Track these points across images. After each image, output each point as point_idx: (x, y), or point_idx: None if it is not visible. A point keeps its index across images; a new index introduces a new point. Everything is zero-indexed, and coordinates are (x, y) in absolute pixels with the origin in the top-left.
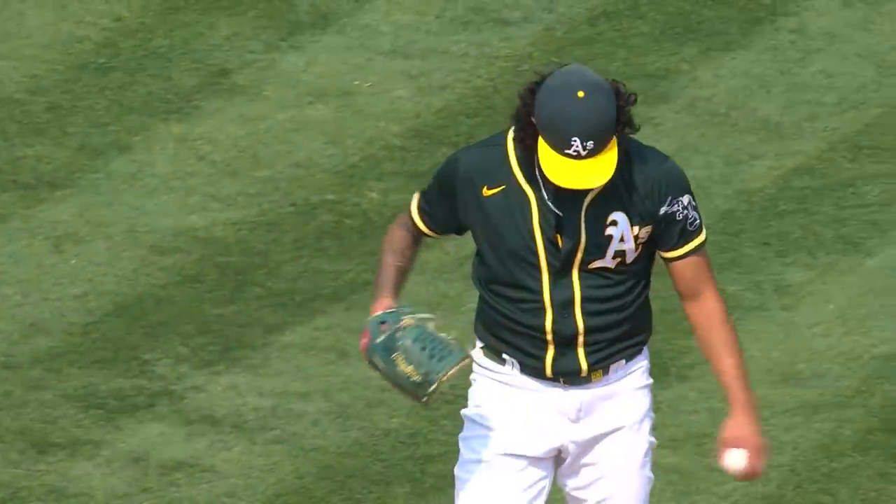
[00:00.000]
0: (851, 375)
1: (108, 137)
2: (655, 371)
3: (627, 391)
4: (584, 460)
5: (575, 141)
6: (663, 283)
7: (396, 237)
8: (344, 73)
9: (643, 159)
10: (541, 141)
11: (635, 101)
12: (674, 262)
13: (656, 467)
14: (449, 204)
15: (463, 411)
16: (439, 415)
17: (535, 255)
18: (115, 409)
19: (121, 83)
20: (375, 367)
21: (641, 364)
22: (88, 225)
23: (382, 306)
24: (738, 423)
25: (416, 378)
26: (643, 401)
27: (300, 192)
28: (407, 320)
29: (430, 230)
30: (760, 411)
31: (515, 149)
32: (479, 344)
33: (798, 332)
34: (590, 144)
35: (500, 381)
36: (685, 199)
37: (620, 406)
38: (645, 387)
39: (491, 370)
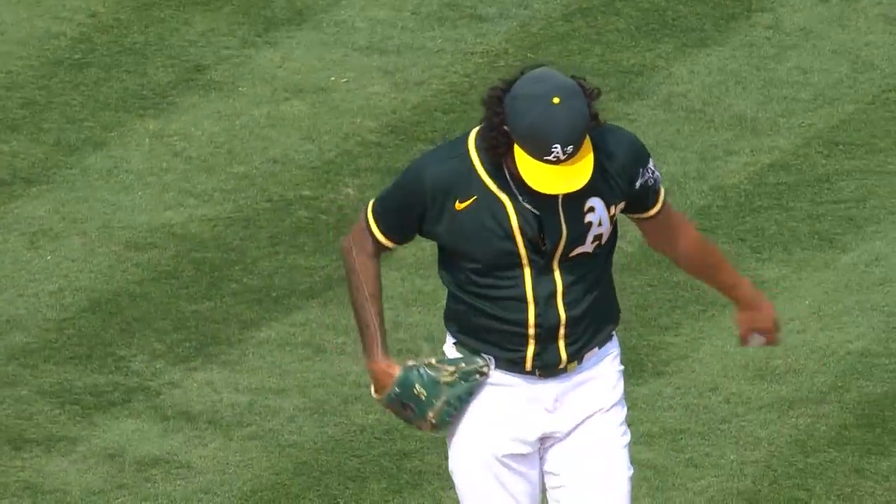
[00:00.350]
0: (827, 371)
1: (83, 133)
2: (631, 367)
3: (600, 377)
4: (564, 449)
5: (556, 148)
6: (637, 279)
7: (365, 271)
8: (320, 69)
9: (606, 141)
10: (517, 149)
11: (599, 94)
12: (650, 219)
13: (632, 463)
14: (413, 216)
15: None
16: None
17: (517, 256)
18: (91, 405)
19: (96, 79)
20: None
21: (613, 350)
22: (64, 221)
23: (384, 374)
24: (752, 313)
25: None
26: (617, 385)
27: (276, 187)
28: (419, 389)
29: (393, 242)
30: (736, 407)
31: (482, 157)
32: (450, 340)
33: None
34: (569, 149)
35: None
36: (650, 164)
37: (595, 391)
38: (618, 370)
39: None
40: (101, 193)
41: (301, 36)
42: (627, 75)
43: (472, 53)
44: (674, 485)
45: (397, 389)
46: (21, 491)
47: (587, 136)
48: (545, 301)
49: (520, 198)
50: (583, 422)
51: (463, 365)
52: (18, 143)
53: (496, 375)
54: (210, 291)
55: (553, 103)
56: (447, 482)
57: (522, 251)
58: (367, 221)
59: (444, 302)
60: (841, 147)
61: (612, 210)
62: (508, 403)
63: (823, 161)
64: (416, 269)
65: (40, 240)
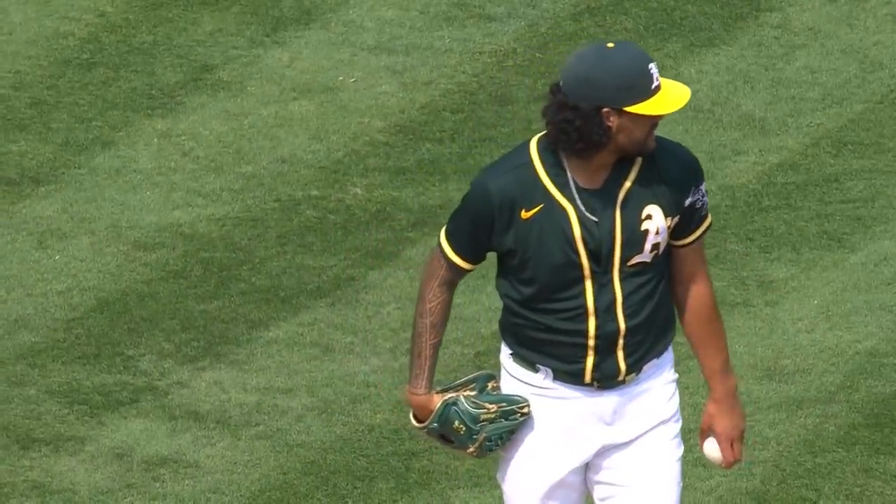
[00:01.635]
0: (835, 371)
1: (91, 133)
2: None
3: (657, 388)
4: (619, 461)
5: (652, 67)
6: None
7: (433, 299)
8: (328, 69)
9: (669, 151)
10: (634, 108)
11: None
12: (681, 248)
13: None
14: (484, 231)
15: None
16: None
17: (579, 265)
18: (99, 404)
19: (104, 79)
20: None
21: (669, 361)
22: (72, 221)
23: (423, 408)
24: (714, 414)
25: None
26: (673, 397)
27: (284, 187)
28: (458, 425)
29: (467, 262)
30: (745, 407)
31: (545, 166)
32: (506, 351)
33: (782, 327)
34: (655, 67)
35: (531, 387)
36: (703, 187)
37: (652, 403)
38: (673, 381)
39: (521, 378)
40: (109, 193)
41: (309, 36)
42: None
43: (480, 53)
44: (683, 484)
45: (436, 424)
46: (29, 490)
47: None
48: (605, 311)
49: (582, 206)
50: (640, 435)
51: (504, 404)
52: (27, 142)
53: (555, 386)
54: (218, 291)
55: (610, 47)
56: (455, 482)
57: (584, 261)
58: (441, 246)
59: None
60: (849, 147)
61: (669, 221)
62: (568, 419)
63: (832, 161)
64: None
65: (48, 239)
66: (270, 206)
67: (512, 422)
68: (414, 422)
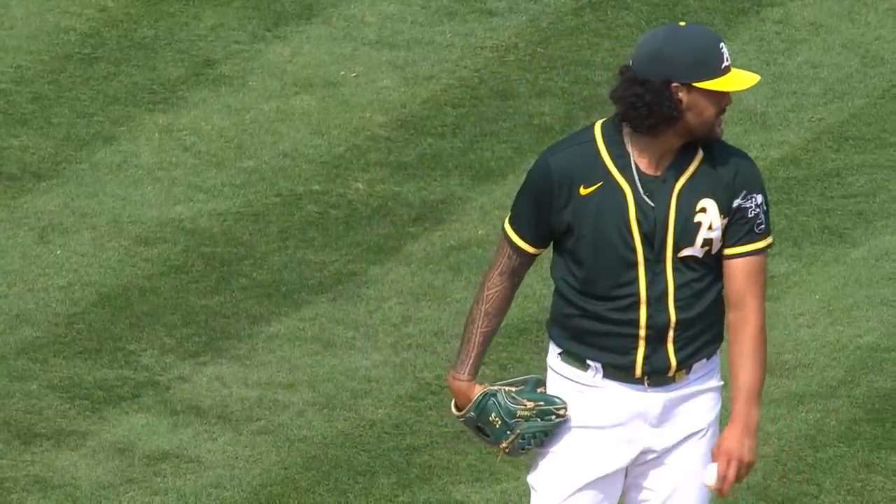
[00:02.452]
0: (836, 366)
1: (92, 128)
2: None
3: (704, 392)
4: (659, 466)
5: (722, 47)
6: None
7: (492, 287)
8: (329, 64)
9: (731, 151)
10: (705, 85)
11: None
12: (730, 259)
13: None
14: (546, 211)
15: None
16: (424, 405)
17: (633, 248)
18: (101, 399)
19: (106, 73)
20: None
21: (716, 364)
22: (73, 215)
23: (462, 394)
24: (725, 435)
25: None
26: (716, 404)
27: (285, 182)
28: (494, 417)
29: (531, 245)
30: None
31: (608, 145)
32: (556, 350)
33: (783, 322)
34: (727, 51)
35: (579, 385)
36: (759, 197)
37: (697, 408)
38: (717, 388)
39: (569, 377)
40: (110, 188)
41: (311, 30)
42: None
43: (481, 48)
44: None
45: (472, 414)
46: (31, 485)
47: None
48: (657, 301)
49: (640, 189)
50: (680, 443)
51: (542, 403)
52: (28, 137)
53: (605, 387)
54: (219, 286)
55: (682, 26)
56: (457, 476)
57: (638, 244)
58: (504, 232)
59: (454, 296)
60: (851, 142)
61: (722, 220)
62: (614, 418)
63: (833, 156)
64: (425, 263)
65: (50, 234)
66: (272, 200)
67: (547, 422)
68: (454, 409)
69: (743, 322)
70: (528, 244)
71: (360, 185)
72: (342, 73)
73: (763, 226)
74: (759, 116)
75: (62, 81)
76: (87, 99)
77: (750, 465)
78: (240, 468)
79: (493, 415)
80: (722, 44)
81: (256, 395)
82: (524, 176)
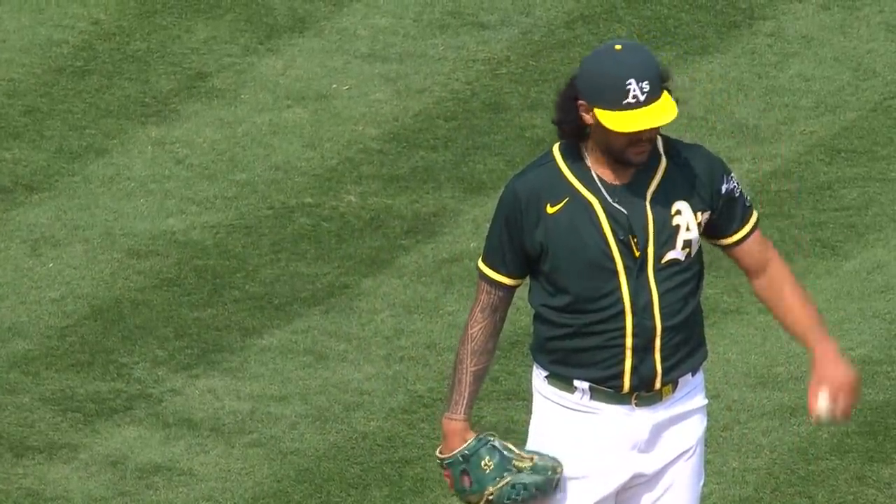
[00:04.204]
0: None
1: (85, 141)
2: None
3: (690, 412)
4: (649, 489)
5: (630, 84)
6: None
7: (474, 325)
8: (321, 77)
9: (688, 147)
10: (599, 113)
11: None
12: (740, 244)
13: None
14: (518, 236)
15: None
16: (417, 418)
17: (611, 258)
18: (93, 412)
19: (98, 86)
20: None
21: (700, 381)
22: (66, 228)
23: (455, 437)
24: (822, 367)
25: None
26: (703, 421)
27: (278, 195)
28: (488, 461)
29: (513, 278)
30: (738, 414)
31: (568, 162)
32: (542, 373)
33: (775, 335)
34: (645, 86)
35: (566, 410)
36: (733, 176)
37: (684, 428)
38: (703, 407)
39: (556, 400)
40: (102, 201)
41: (303, 43)
42: None
43: (473, 61)
44: None
45: (466, 452)
46: (23, 498)
47: (665, 91)
48: (642, 310)
49: (609, 198)
50: (669, 464)
51: (537, 458)
52: (20, 150)
53: (593, 409)
54: (212, 299)
55: (616, 50)
56: (448, 489)
57: (616, 254)
58: (480, 270)
59: (445, 309)
60: (843, 154)
61: (699, 217)
62: (603, 441)
63: (825, 168)
64: (417, 276)
65: (42, 247)
66: (264, 213)
67: (542, 476)
68: (438, 452)
69: (776, 276)
70: (505, 276)
71: (353, 198)
72: (334, 86)
73: (749, 200)
74: (750, 129)
75: (54, 94)
76: (79, 112)
77: (858, 392)
78: (232, 481)
79: (486, 459)
80: (631, 81)
81: (249, 407)
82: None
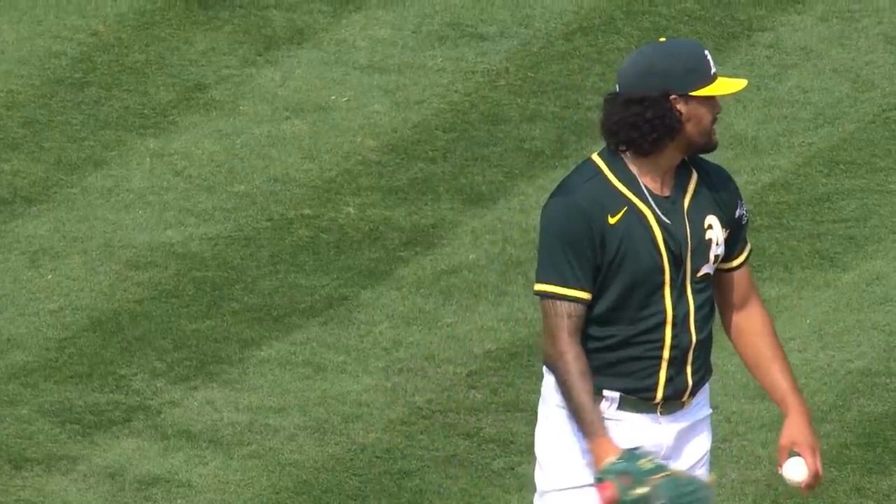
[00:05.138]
0: (827, 390)
1: (84, 152)
2: None
3: (702, 421)
4: None
5: (707, 55)
6: None
7: (569, 351)
8: (320, 88)
9: (712, 165)
10: (700, 93)
11: None
12: (733, 270)
13: None
14: (588, 249)
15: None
16: (415, 430)
17: (661, 269)
18: (91, 424)
19: (97, 98)
20: None
21: (707, 391)
22: (64, 240)
23: (608, 451)
24: (797, 427)
25: None
26: (709, 430)
27: (276, 206)
28: (653, 476)
29: (584, 290)
30: (737, 426)
31: (615, 173)
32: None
33: None
34: (710, 56)
35: None
36: (744, 203)
37: (698, 437)
38: (709, 416)
39: None
40: (101, 212)
41: (302, 55)
42: None
43: (472, 72)
44: None
45: (627, 454)
46: None
47: None
48: (682, 322)
49: (657, 209)
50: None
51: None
52: (19, 161)
53: (618, 420)
54: (210, 310)
55: (665, 42)
56: (448, 501)
57: (666, 265)
58: (550, 293)
59: (444, 320)
60: (841, 166)
61: (725, 234)
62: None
63: (824, 180)
64: (416, 287)
65: (41, 259)
66: (263, 225)
67: (680, 485)
68: (597, 472)
69: (755, 320)
70: (582, 290)
71: (351, 210)
72: (333, 97)
73: (747, 228)
74: (749, 141)
75: (53, 106)
76: (77, 123)
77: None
78: (231, 493)
79: (645, 458)
80: (706, 52)
81: (247, 419)
82: (514, 201)
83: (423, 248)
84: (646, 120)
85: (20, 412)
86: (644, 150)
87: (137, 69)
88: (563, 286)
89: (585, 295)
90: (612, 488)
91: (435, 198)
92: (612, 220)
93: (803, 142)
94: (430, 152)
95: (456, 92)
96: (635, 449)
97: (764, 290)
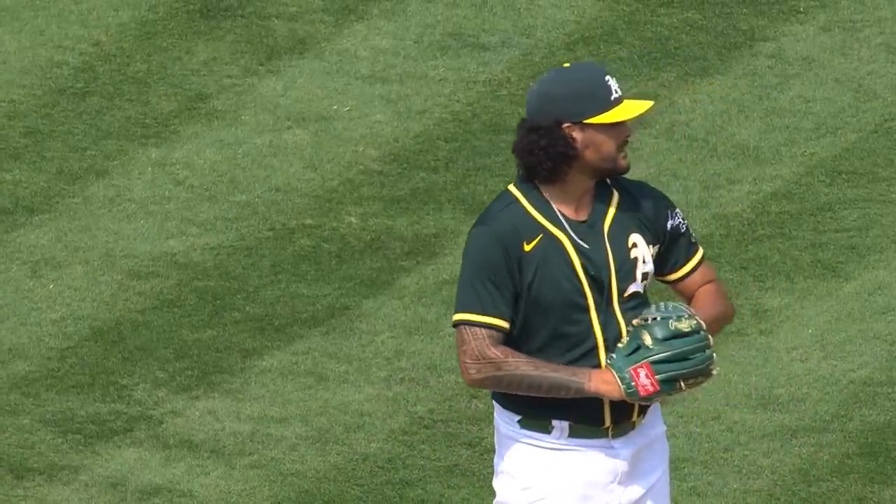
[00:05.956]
0: (829, 400)
1: (85, 162)
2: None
3: (657, 439)
4: None
5: (608, 79)
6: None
7: (505, 355)
8: (322, 98)
9: (635, 184)
10: (594, 120)
11: None
12: (686, 278)
13: None
14: (505, 279)
15: (503, 488)
16: (417, 439)
17: (582, 293)
18: (93, 433)
19: (98, 108)
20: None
21: (658, 406)
22: (66, 250)
23: (603, 377)
24: None
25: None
26: (667, 447)
27: (278, 216)
28: (651, 353)
29: (503, 319)
30: (739, 435)
31: (531, 200)
32: (513, 418)
33: (776, 356)
34: (616, 82)
35: (544, 450)
36: (678, 212)
37: (654, 455)
38: (664, 431)
39: (532, 443)
40: (103, 222)
41: (303, 65)
42: None
43: (474, 82)
44: None
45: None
46: None
47: None
48: (613, 343)
49: (573, 235)
50: (647, 492)
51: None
52: (21, 171)
53: (571, 448)
54: (212, 320)
55: (566, 67)
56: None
57: (587, 290)
58: (465, 322)
59: (446, 330)
60: (843, 176)
61: (653, 250)
62: (585, 477)
63: (826, 190)
64: (418, 297)
65: (42, 268)
66: (264, 234)
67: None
68: (625, 395)
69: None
70: (501, 319)
71: (353, 219)
72: (335, 107)
73: (694, 236)
74: (751, 151)
75: (55, 116)
76: (79, 133)
77: None
78: (232, 502)
79: (644, 335)
80: (608, 77)
81: (249, 429)
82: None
83: (425, 258)
84: (540, 147)
85: (22, 422)
86: (544, 178)
87: (139, 79)
88: (482, 314)
89: (504, 324)
90: (640, 377)
91: (437, 207)
92: (527, 248)
93: (805, 151)
94: (431, 162)
95: (458, 102)
96: (614, 353)
97: (766, 300)
